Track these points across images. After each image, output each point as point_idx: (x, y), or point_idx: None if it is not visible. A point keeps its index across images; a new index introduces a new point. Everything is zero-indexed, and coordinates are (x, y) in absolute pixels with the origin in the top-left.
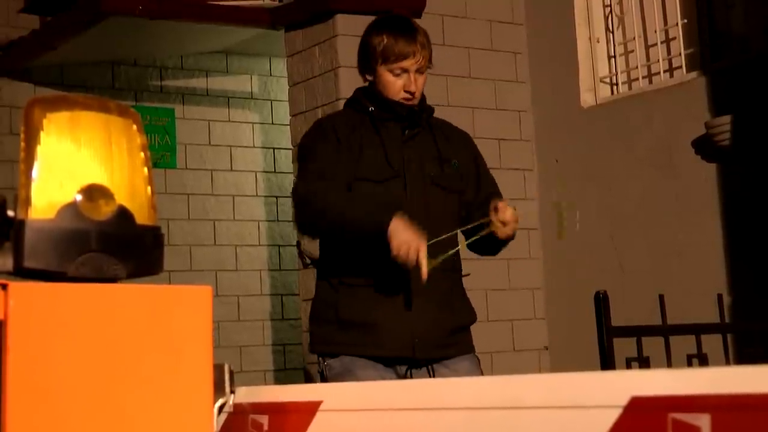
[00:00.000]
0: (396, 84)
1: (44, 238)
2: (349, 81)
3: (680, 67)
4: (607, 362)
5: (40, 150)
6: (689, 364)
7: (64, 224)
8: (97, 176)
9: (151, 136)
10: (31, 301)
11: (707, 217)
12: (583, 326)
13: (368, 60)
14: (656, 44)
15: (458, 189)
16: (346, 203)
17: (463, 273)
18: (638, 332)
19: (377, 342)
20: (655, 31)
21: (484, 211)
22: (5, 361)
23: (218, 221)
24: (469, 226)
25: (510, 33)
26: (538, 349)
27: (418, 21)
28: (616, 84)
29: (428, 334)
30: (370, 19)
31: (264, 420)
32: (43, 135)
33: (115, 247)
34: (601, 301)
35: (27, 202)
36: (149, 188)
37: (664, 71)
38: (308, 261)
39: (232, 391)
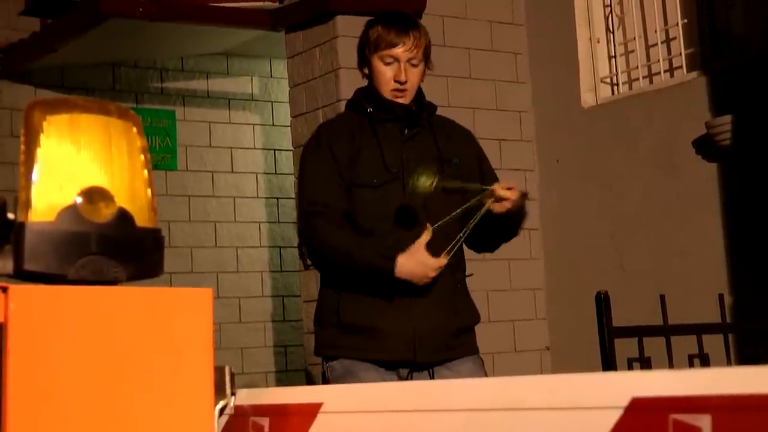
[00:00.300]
0: (387, 73)
1: (44, 240)
2: (350, 82)
3: (681, 67)
4: (608, 363)
5: (41, 152)
6: (690, 365)
7: (64, 227)
8: (98, 179)
9: (152, 137)
10: (32, 304)
11: (708, 217)
12: (584, 326)
13: (363, 51)
14: (656, 44)
15: (459, 189)
16: (346, 250)
17: (467, 273)
18: (639, 332)
19: (379, 346)
20: (656, 31)
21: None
22: (6, 364)
23: (219, 223)
24: (466, 206)
25: (510, 33)
26: (539, 350)
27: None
28: (617, 84)
29: (430, 338)
30: None
31: (265, 422)
32: (43, 137)
33: (115, 249)
34: (602, 302)
35: (27, 204)
36: (149, 190)
37: (665, 71)
38: (309, 262)
39: (233, 393)
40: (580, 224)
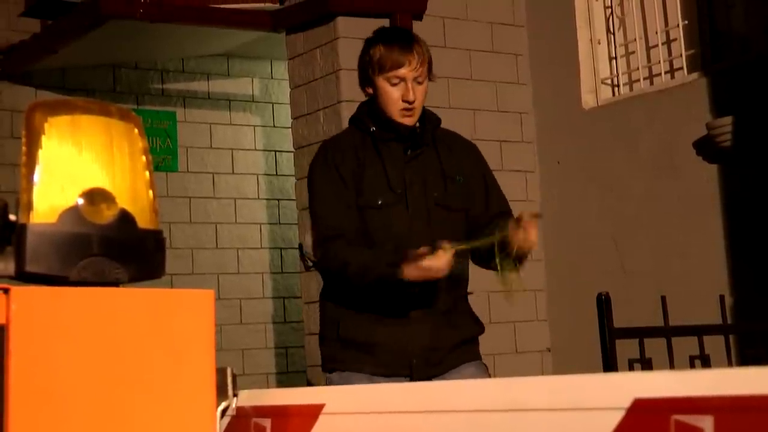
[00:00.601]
0: (394, 94)
1: (46, 242)
2: (350, 83)
3: (681, 68)
4: (609, 364)
5: (42, 154)
6: (692, 366)
7: (65, 228)
8: (99, 180)
9: (153, 139)
10: (33, 305)
11: (709, 218)
12: (585, 328)
13: (367, 72)
14: (657, 45)
15: (463, 207)
16: (365, 265)
17: (468, 291)
18: (640, 333)
19: (376, 361)
20: (656, 33)
21: (500, 225)
22: (7, 366)
23: (220, 224)
24: (480, 242)
25: (511, 35)
26: (540, 351)
27: (419, 23)
28: (618, 85)
29: (426, 354)
30: (371, 21)
31: (267, 423)
32: (44, 139)
33: (116, 250)
34: (603, 303)
35: (29, 206)
36: (151, 192)
37: (665, 72)
38: (310, 263)
39: (235, 395)
40: (581, 225)
